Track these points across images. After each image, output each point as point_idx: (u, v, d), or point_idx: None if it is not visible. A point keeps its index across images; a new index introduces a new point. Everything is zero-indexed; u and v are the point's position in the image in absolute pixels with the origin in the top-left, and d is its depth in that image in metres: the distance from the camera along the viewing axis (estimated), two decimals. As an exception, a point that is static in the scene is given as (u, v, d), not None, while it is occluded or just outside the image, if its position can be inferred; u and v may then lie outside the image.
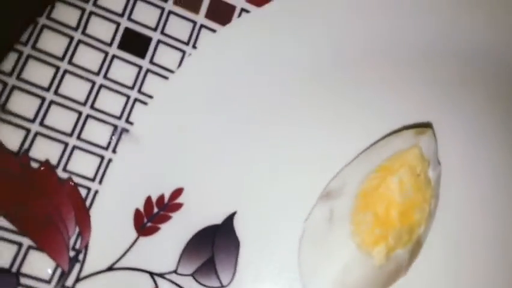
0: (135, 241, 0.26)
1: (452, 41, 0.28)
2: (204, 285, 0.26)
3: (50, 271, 0.24)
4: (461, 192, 0.26)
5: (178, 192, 0.27)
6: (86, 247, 0.25)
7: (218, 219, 0.27)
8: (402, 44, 0.28)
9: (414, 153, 0.25)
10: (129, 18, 0.26)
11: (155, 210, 0.27)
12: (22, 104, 0.24)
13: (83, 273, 0.24)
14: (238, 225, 0.27)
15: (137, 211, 0.26)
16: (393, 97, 0.27)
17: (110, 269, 0.25)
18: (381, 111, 0.27)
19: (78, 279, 0.24)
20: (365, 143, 0.27)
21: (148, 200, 0.26)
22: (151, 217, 0.26)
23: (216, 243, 0.27)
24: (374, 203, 0.24)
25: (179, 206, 0.27)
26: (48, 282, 0.23)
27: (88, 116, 0.25)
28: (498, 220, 0.26)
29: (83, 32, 0.25)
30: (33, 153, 0.24)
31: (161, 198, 0.27)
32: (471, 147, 0.27)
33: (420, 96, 0.27)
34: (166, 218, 0.27)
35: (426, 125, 0.26)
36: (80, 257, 0.24)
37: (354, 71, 0.28)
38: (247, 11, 0.27)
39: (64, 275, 0.24)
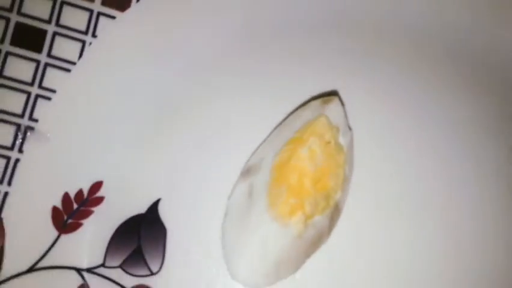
0: (56, 239, 0.26)
1: (365, 11, 0.28)
2: (134, 275, 0.26)
3: (-37, 279, 0.23)
4: (376, 155, 0.27)
5: (97, 185, 0.27)
6: (1, 251, 0.24)
7: (142, 208, 0.27)
8: (314, 13, 0.28)
9: (321, 122, 0.25)
10: (19, 13, 0.25)
11: (75, 206, 0.26)
12: None
13: (1, 277, 0.24)
14: (163, 212, 0.27)
15: (54, 209, 0.26)
16: (302, 69, 0.27)
17: (32, 269, 0.25)
18: (291, 85, 0.27)
19: (-5, 284, 0.24)
20: (278, 117, 0.27)
21: (66, 196, 0.26)
22: (71, 214, 0.26)
23: (142, 233, 0.27)
24: (287, 175, 0.25)
25: (101, 199, 0.27)
26: (-38, 290, 0.23)
27: (-13, 118, 0.25)
28: (413, 178, 0.27)
29: (-27, 32, 0.24)
30: None
31: (79, 193, 0.27)
32: (381, 111, 0.27)
33: (328, 66, 0.27)
34: (88, 213, 0.27)
35: (332, 93, 0.27)
36: (-4, 260, 0.24)
37: (263, 46, 0.28)
38: (146, -7, 0.27)
39: (-21, 282, 0.24)
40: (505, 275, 0.27)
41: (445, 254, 0.27)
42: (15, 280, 0.25)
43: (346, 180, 0.26)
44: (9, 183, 0.25)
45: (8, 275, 0.24)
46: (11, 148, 0.25)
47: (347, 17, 0.28)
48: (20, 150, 0.25)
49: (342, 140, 0.26)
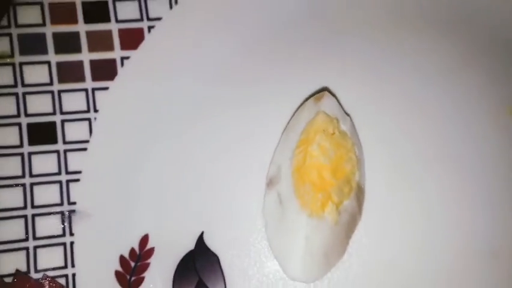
0: (128, 298, 0.29)
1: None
2: (204, 305, 0.30)
3: None
4: (377, 130, 0.30)
5: (144, 239, 0.30)
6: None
7: (191, 245, 0.30)
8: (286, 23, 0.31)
9: (321, 118, 0.28)
10: (26, 114, 0.28)
11: (133, 264, 0.30)
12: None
13: None
14: (210, 242, 0.30)
15: (117, 273, 0.29)
16: (292, 74, 0.30)
17: (117, 331, 0.28)
18: (285, 91, 0.30)
19: None
20: (281, 125, 0.30)
21: (122, 258, 0.29)
22: (131, 272, 0.30)
23: (198, 267, 0.30)
24: (307, 174, 0.28)
25: (152, 250, 0.30)
26: None
27: (33, 216, 0.28)
28: (412, 148, 0.30)
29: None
30: (1, 271, 0.27)
31: (132, 251, 0.30)
32: (373, 93, 0.30)
33: (315, 66, 0.30)
34: (146, 266, 0.30)
35: (322, 90, 0.30)
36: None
37: (258, 59, 0.30)
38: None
39: None
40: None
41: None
42: None
43: (359, 160, 0.29)
44: (72, 265, 0.28)
45: None
46: (63, 235, 0.28)
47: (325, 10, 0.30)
48: (71, 234, 0.28)
49: (344, 127, 0.29)
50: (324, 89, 0.29)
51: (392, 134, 0.30)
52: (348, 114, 0.29)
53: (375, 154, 0.30)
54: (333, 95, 0.29)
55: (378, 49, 0.30)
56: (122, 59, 0.30)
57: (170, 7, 0.30)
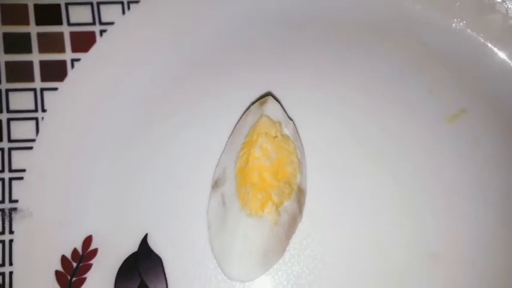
0: (67, 299, 0.31)
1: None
2: (145, 308, 0.31)
3: None
4: (320, 134, 0.33)
5: (88, 240, 0.32)
6: (21, 324, 0.29)
7: (134, 246, 0.32)
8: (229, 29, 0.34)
9: (264, 121, 0.30)
10: (-28, 112, 0.30)
11: (74, 264, 0.31)
12: None
13: None
14: (153, 243, 0.32)
15: (57, 273, 0.31)
16: (237, 81, 0.33)
17: (53, 332, 0.30)
18: (231, 97, 0.33)
19: None
20: (228, 128, 0.33)
21: (64, 258, 0.31)
22: (73, 272, 0.31)
23: (140, 268, 0.32)
24: (248, 175, 0.30)
25: (95, 252, 0.32)
26: None
27: (-27, 213, 0.29)
28: (354, 144, 0.33)
29: None
30: None
31: (75, 252, 0.31)
32: (315, 99, 0.33)
33: (260, 72, 0.33)
34: (88, 267, 0.31)
35: (266, 95, 0.32)
36: (20, 334, 0.29)
37: (203, 65, 0.33)
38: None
39: None
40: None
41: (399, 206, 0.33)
42: None
43: (301, 163, 0.31)
44: (10, 263, 0.30)
45: None
46: (3, 232, 0.30)
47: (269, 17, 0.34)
48: (11, 231, 0.30)
49: (287, 131, 0.31)
50: (268, 94, 0.32)
51: (335, 138, 0.33)
52: (291, 119, 0.32)
53: (318, 158, 0.32)
54: (277, 100, 0.32)
55: (323, 56, 0.34)
56: (73, 61, 0.32)
57: (123, 12, 0.33)
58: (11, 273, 0.29)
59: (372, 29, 0.34)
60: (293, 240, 0.31)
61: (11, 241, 0.30)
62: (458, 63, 0.34)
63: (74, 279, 0.31)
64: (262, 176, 0.30)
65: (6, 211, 0.30)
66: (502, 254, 0.32)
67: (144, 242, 0.32)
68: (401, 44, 0.34)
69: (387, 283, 0.32)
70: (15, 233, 0.30)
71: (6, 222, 0.30)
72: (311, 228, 0.32)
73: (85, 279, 0.31)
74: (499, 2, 0.33)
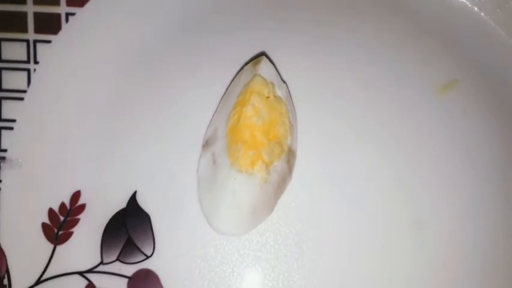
0: (53, 251, 0.31)
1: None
2: (132, 263, 0.32)
3: (-20, 303, 0.28)
4: (313, 99, 0.33)
5: (76, 195, 0.32)
6: (7, 272, 0.29)
7: (122, 203, 0.32)
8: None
9: (257, 81, 0.31)
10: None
11: (62, 218, 0.31)
12: None
13: (13, 295, 0.29)
14: (142, 201, 0.32)
15: (44, 225, 0.31)
16: (230, 40, 0.34)
17: (39, 282, 0.30)
18: (225, 57, 0.33)
19: (11, 300, 0.29)
20: (221, 89, 0.33)
21: (51, 211, 0.31)
22: (60, 226, 0.31)
23: (128, 225, 0.32)
24: (240, 133, 0.30)
25: (83, 207, 0.32)
26: (-17, 312, 0.28)
27: (-39, 159, 0.29)
28: (349, 114, 0.34)
29: None
30: None
31: (62, 206, 0.32)
32: (309, 64, 0.33)
33: (255, 33, 0.34)
34: (75, 222, 0.32)
35: (260, 55, 0.33)
36: (5, 281, 0.29)
37: (195, 24, 0.34)
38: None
39: (-4, 302, 0.28)
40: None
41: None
42: (27, 294, 0.29)
43: (292, 126, 0.32)
44: (-4, 213, 0.30)
45: (20, 291, 0.29)
46: (-10, 180, 0.30)
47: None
48: (-2, 180, 0.30)
49: (280, 93, 0.32)
50: (262, 54, 0.33)
51: (327, 104, 0.33)
52: (284, 82, 0.33)
53: (309, 122, 0.33)
54: (272, 61, 0.33)
55: (319, 22, 0.34)
56: (68, 15, 0.32)
57: (120, -31, 0.33)
58: (-4, 222, 0.30)
59: (376, 6, 0.35)
60: (282, 202, 0.32)
61: (-3, 190, 0.30)
62: (450, 34, 0.34)
63: (60, 232, 0.31)
64: (254, 134, 0.30)
65: (-5, 159, 0.30)
66: (486, 224, 0.33)
67: (133, 199, 0.32)
68: (396, 14, 0.35)
69: (371, 246, 0.32)
70: (2, 181, 0.30)
71: (-6, 170, 0.30)
72: (300, 191, 0.32)
73: (71, 233, 0.31)
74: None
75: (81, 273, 0.31)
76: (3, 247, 0.29)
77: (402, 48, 0.35)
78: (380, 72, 0.34)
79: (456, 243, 0.33)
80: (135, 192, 0.32)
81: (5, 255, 0.29)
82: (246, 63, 0.33)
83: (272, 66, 0.32)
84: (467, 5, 0.34)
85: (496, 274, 0.33)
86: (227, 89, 0.33)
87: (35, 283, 0.30)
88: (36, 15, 0.32)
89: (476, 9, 0.34)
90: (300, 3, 0.34)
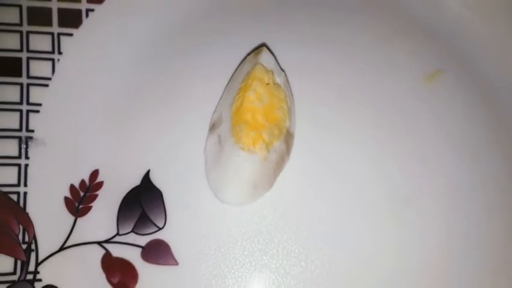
0: (74, 222, 0.34)
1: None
2: (145, 234, 0.35)
3: (12, 265, 0.32)
4: (310, 87, 0.37)
5: (95, 173, 0.36)
6: (34, 238, 0.33)
7: (137, 180, 0.36)
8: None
9: (258, 69, 0.35)
10: (-4, 49, 0.34)
11: (82, 194, 0.35)
12: None
13: (40, 258, 0.33)
14: (155, 178, 0.36)
15: (66, 199, 0.35)
16: (235, 33, 0.37)
17: (62, 248, 0.34)
18: (229, 48, 0.37)
19: (38, 263, 0.32)
20: (226, 78, 0.37)
21: (72, 187, 0.35)
22: (80, 200, 0.35)
23: (142, 200, 0.36)
24: (243, 115, 0.34)
25: (101, 184, 0.36)
26: (14, 273, 0.32)
27: (-6, 138, 0.33)
28: (345, 101, 0.37)
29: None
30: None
31: (82, 183, 0.35)
32: (306, 54, 0.37)
33: (255, 25, 0.38)
34: (94, 197, 0.35)
35: (261, 46, 0.37)
36: (33, 246, 0.33)
37: (201, 19, 0.38)
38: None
39: (25, 264, 0.32)
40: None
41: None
42: (52, 258, 0.33)
43: (290, 110, 0.36)
44: (25, 185, 0.33)
45: (45, 255, 0.33)
46: (19, 157, 0.34)
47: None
48: (27, 157, 0.34)
49: (279, 80, 0.35)
50: (263, 45, 0.37)
51: (322, 91, 0.37)
52: (283, 70, 0.36)
53: (306, 106, 0.37)
54: (272, 52, 0.36)
55: (316, 17, 0.38)
56: (88, 11, 0.36)
57: (133, -29, 0.37)
58: (25, 193, 0.33)
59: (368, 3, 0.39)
60: (280, 179, 0.35)
61: (26, 165, 0.34)
62: (435, 26, 0.38)
63: (81, 206, 0.35)
64: (255, 116, 0.34)
65: (23, 138, 0.34)
66: (473, 202, 0.36)
67: (146, 177, 0.36)
68: (384, 9, 0.39)
69: (362, 222, 0.36)
70: (30, 158, 0.34)
71: (22, 149, 0.34)
72: (297, 169, 0.36)
73: (90, 207, 0.35)
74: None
75: (99, 243, 0.34)
76: (31, 216, 0.33)
77: (391, 41, 0.38)
78: (371, 63, 0.38)
79: (442, 220, 0.36)
80: (148, 171, 0.36)
81: (32, 224, 0.33)
82: (249, 54, 0.37)
83: (272, 56, 0.36)
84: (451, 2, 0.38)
85: (482, 258, 0.36)
86: (231, 76, 0.37)
87: (58, 249, 0.33)
88: (60, 10, 0.35)
89: (458, 6, 0.38)
90: (297, 1, 0.38)
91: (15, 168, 0.33)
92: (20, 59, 0.34)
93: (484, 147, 0.37)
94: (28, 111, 0.34)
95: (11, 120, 0.34)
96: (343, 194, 0.36)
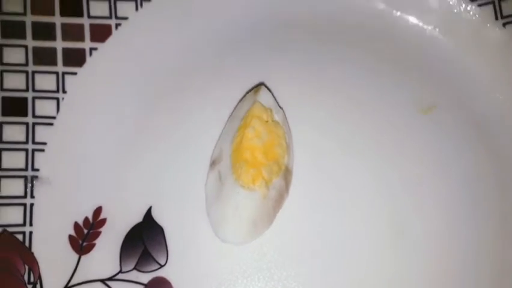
0: (78, 260, 0.35)
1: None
2: (147, 271, 0.36)
3: (16, 305, 0.32)
4: (307, 123, 0.38)
5: (98, 210, 0.36)
6: (39, 278, 0.34)
7: (139, 217, 0.37)
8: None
9: (257, 107, 0.36)
10: (2, 89, 0.35)
11: (85, 231, 0.36)
12: None
13: (44, 297, 0.33)
14: (156, 215, 0.37)
15: (70, 237, 0.35)
16: (234, 72, 0.38)
17: (67, 287, 0.34)
18: (229, 86, 0.38)
19: (42, 303, 0.33)
20: (226, 115, 0.38)
21: (76, 225, 0.36)
22: (84, 238, 0.36)
23: (144, 237, 0.36)
24: (243, 154, 0.35)
25: (104, 221, 0.36)
26: (19, 313, 0.32)
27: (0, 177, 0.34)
28: (344, 131, 0.38)
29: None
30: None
31: (86, 220, 0.36)
32: (303, 91, 0.38)
33: (253, 65, 0.39)
34: (97, 234, 0.36)
35: (260, 85, 0.38)
36: (38, 286, 0.33)
37: (202, 60, 0.39)
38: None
39: (30, 304, 0.33)
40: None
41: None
42: (56, 298, 0.34)
43: (288, 147, 0.36)
44: (30, 224, 0.34)
45: (49, 294, 0.34)
46: (25, 196, 0.34)
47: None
48: (32, 196, 0.35)
49: (277, 117, 0.36)
50: (261, 84, 0.38)
51: (319, 127, 0.38)
52: (281, 108, 0.37)
53: (304, 143, 0.38)
54: (269, 90, 0.37)
55: (309, 54, 0.39)
56: (91, 49, 0.37)
57: (136, 9, 0.38)
58: (31, 232, 0.34)
59: (353, 31, 0.40)
60: (280, 215, 0.36)
61: (31, 205, 0.35)
62: (428, 63, 0.39)
63: (84, 243, 0.36)
64: (254, 154, 0.35)
65: (29, 178, 0.35)
66: (471, 233, 0.37)
67: (148, 213, 0.37)
68: (377, 44, 0.40)
69: (365, 256, 0.37)
70: (35, 197, 0.35)
71: (28, 188, 0.35)
72: (296, 205, 0.37)
73: (94, 244, 0.36)
74: (467, 10, 0.39)
75: (102, 281, 0.35)
76: (36, 256, 0.34)
77: (386, 75, 0.39)
78: (368, 97, 0.39)
79: (442, 253, 0.37)
80: (150, 208, 0.37)
81: (37, 264, 0.34)
82: (248, 92, 0.38)
83: (270, 94, 0.37)
84: (444, 41, 0.39)
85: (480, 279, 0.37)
86: (231, 114, 0.38)
87: (63, 288, 0.34)
88: (64, 50, 0.36)
89: (451, 44, 0.39)
90: (293, 40, 0.39)
91: (21, 208, 0.34)
92: (25, 99, 0.35)
93: (476, 174, 0.38)
94: (33, 150, 0.35)
95: (17, 160, 0.35)
96: (342, 230, 0.37)
